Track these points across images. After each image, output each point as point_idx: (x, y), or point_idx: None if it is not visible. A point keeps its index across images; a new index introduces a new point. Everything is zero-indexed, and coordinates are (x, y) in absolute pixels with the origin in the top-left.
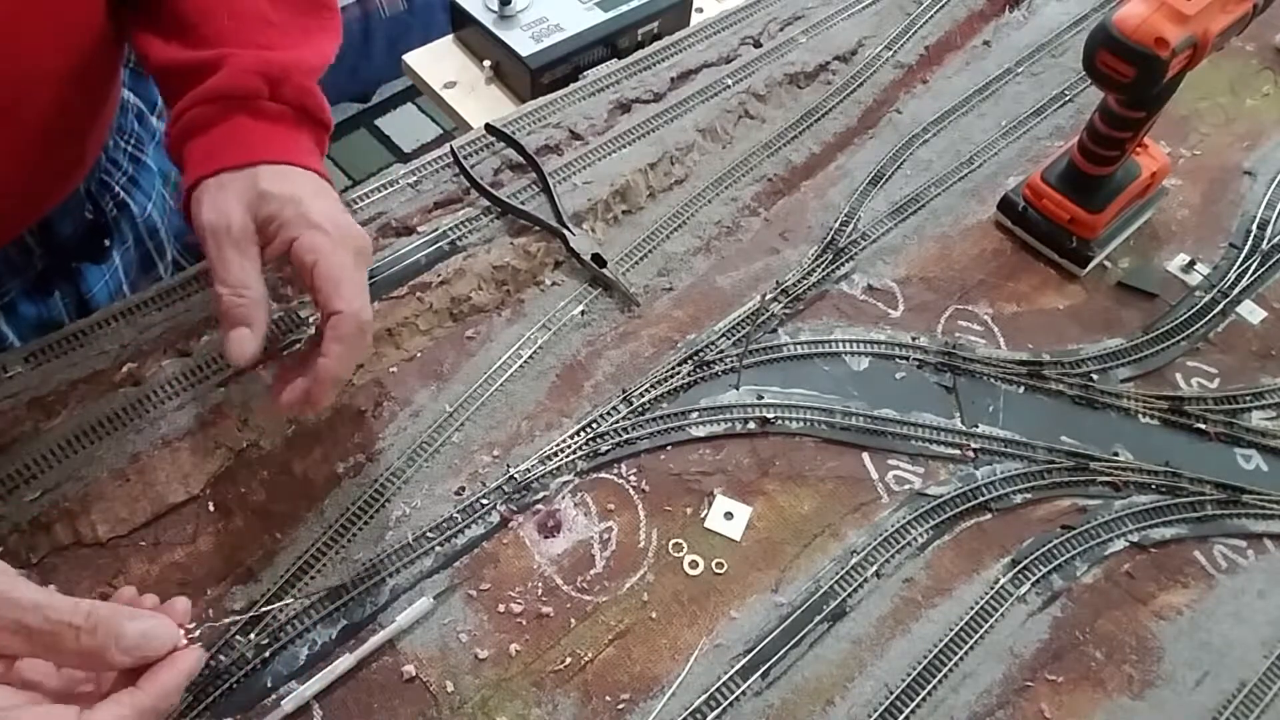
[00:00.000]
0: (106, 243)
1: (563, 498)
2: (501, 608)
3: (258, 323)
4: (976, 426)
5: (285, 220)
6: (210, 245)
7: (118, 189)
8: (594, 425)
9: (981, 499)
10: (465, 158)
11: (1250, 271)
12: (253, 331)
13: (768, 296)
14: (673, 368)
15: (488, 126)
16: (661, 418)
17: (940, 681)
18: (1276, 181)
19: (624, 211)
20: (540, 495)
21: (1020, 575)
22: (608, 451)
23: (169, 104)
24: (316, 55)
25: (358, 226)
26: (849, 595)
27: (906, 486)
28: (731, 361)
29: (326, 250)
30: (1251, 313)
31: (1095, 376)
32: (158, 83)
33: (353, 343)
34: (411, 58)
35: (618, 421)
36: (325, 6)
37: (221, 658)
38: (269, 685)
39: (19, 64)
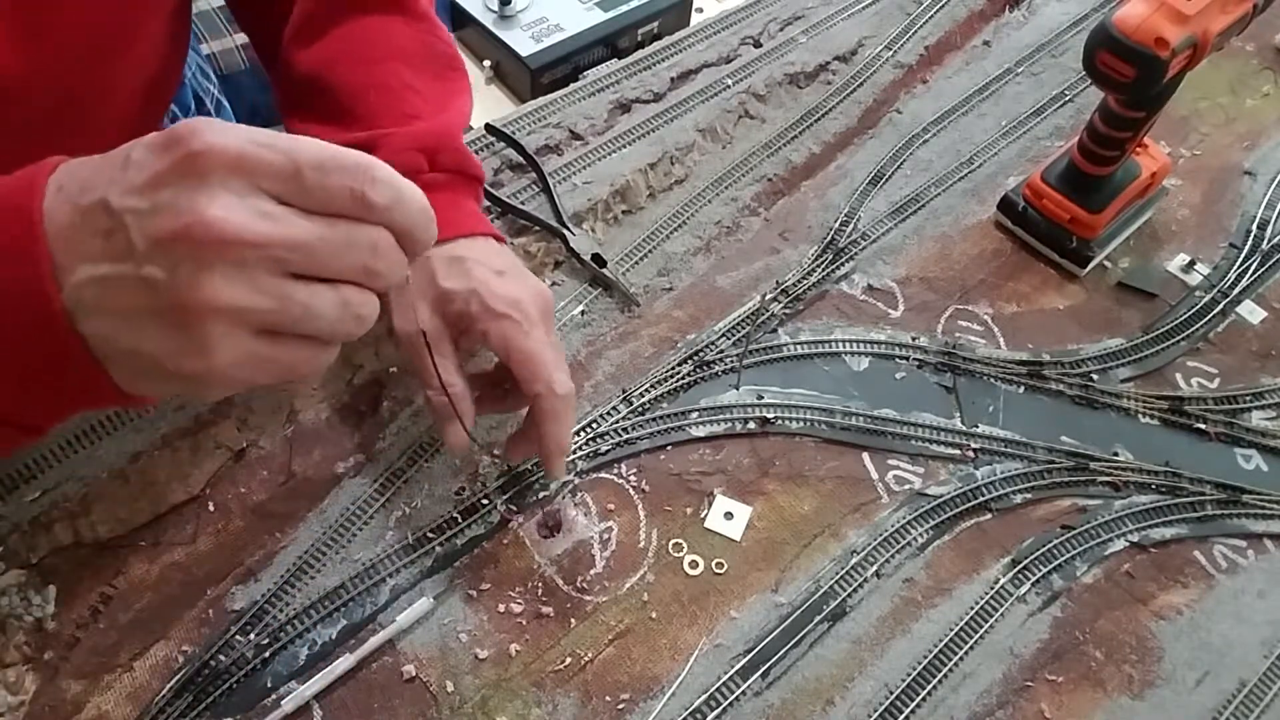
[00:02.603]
0: None
1: (563, 498)
2: (501, 608)
3: (466, 414)
4: (976, 426)
5: (472, 315)
6: (409, 351)
7: None
8: (594, 425)
9: (981, 499)
10: None
11: (1250, 271)
12: (464, 423)
13: (768, 296)
14: (673, 368)
15: (488, 126)
16: (661, 418)
17: (940, 681)
18: (1276, 181)
19: (624, 211)
20: (540, 495)
21: (1020, 575)
22: (608, 451)
23: None
24: (460, 117)
25: (538, 285)
26: (849, 595)
27: (906, 486)
28: (731, 361)
29: (515, 338)
30: (1251, 313)
31: (1095, 376)
32: None
33: (560, 416)
34: None
35: (618, 421)
36: (455, 68)
37: (221, 658)
38: (269, 685)
39: (98, 82)
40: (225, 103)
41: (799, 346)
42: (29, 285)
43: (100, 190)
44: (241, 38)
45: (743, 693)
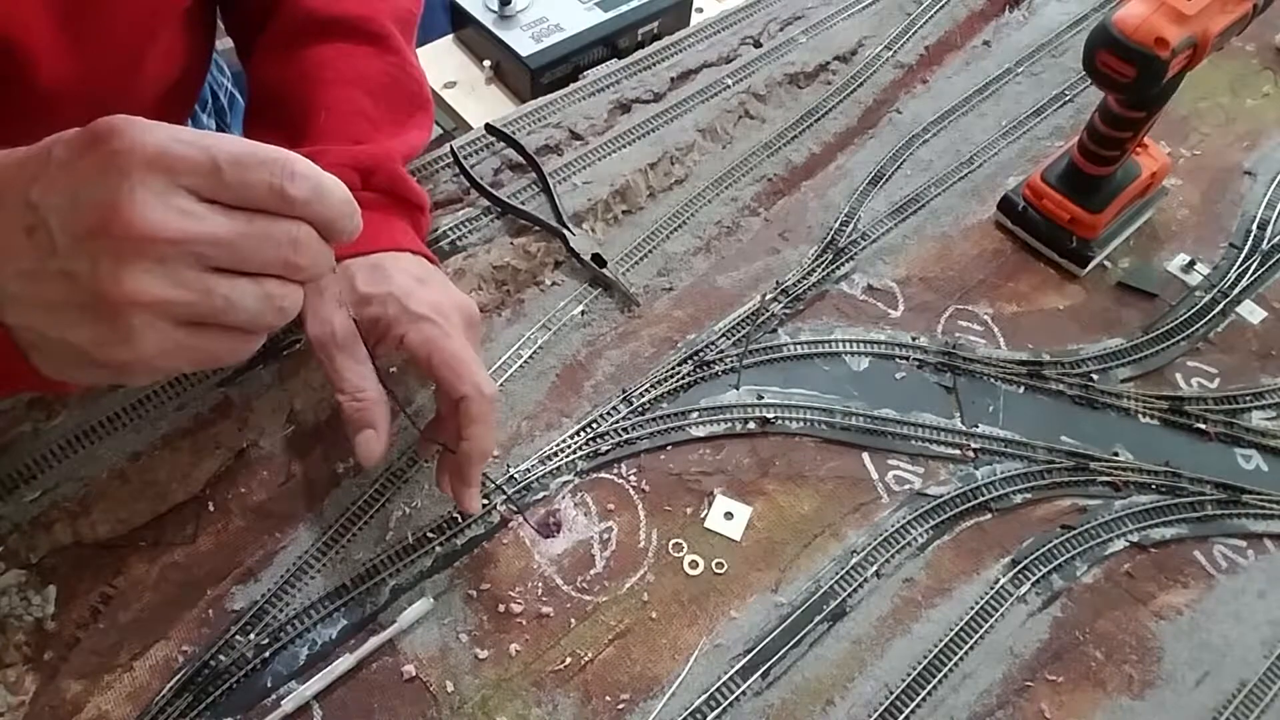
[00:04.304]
0: None
1: (563, 498)
2: (501, 608)
3: (381, 422)
4: (976, 426)
5: (389, 319)
6: (320, 355)
7: None
8: (594, 425)
9: (981, 499)
10: (465, 158)
11: (1250, 271)
12: (377, 432)
13: (768, 296)
14: (673, 368)
15: (488, 126)
16: (661, 418)
17: (940, 681)
18: (1276, 181)
19: (624, 211)
20: (540, 495)
21: (1020, 575)
22: (608, 451)
23: None
24: (407, 147)
25: (461, 297)
26: (849, 595)
27: (906, 486)
28: (731, 361)
29: (437, 339)
30: (1251, 313)
31: (1095, 376)
32: None
33: (486, 419)
34: None
35: (618, 421)
36: (421, 108)
37: (221, 658)
38: (269, 685)
39: (126, 84)
40: (238, 96)
41: (799, 346)
42: None
43: (22, 187)
44: None
45: (743, 693)
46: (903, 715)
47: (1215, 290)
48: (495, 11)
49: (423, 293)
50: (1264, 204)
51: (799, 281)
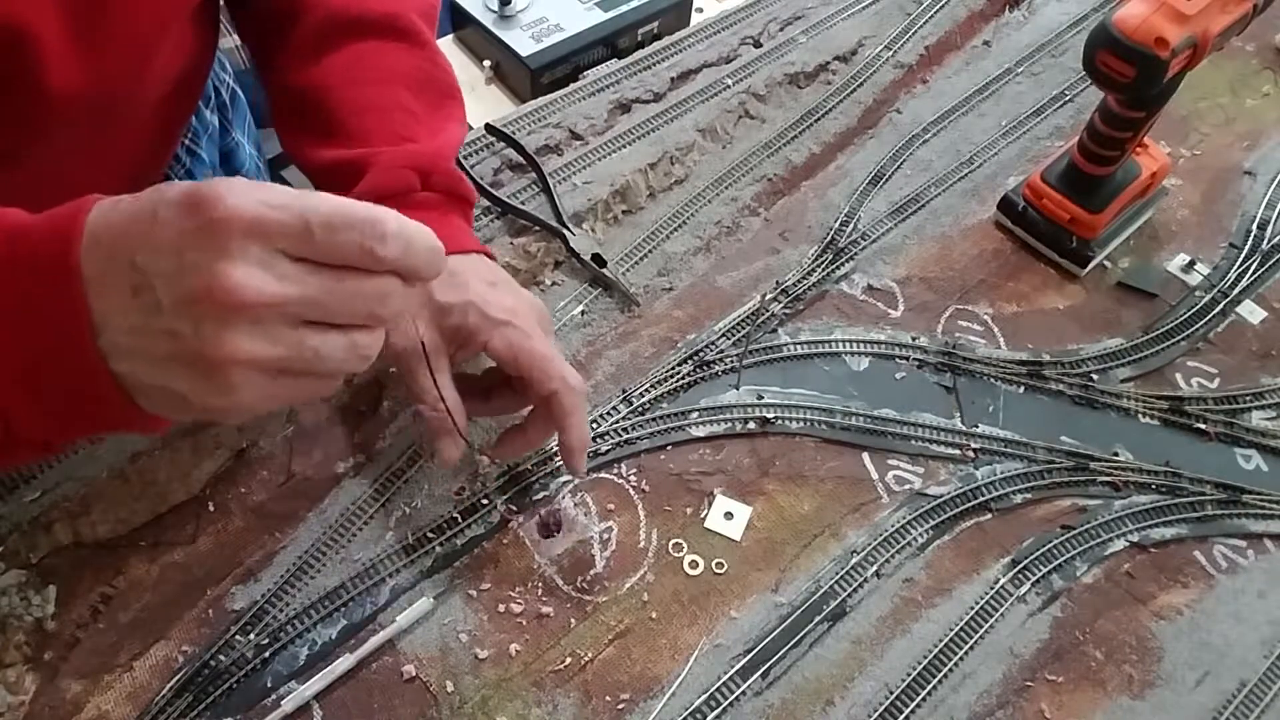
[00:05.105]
0: None
1: (563, 498)
2: (501, 608)
3: (463, 427)
4: (976, 426)
5: (470, 327)
6: (402, 366)
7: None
8: (594, 425)
9: (981, 499)
10: (465, 158)
11: (1250, 271)
12: (455, 438)
13: (768, 296)
14: (673, 368)
15: (488, 126)
16: (661, 418)
17: (940, 681)
18: (1276, 181)
19: (624, 211)
20: (540, 495)
21: (1020, 575)
22: (608, 451)
23: None
24: (454, 141)
25: (530, 297)
26: (849, 595)
27: (906, 486)
28: (731, 361)
29: (520, 342)
30: (1251, 313)
31: (1095, 376)
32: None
33: (578, 409)
34: None
35: (618, 421)
36: (452, 97)
37: (221, 658)
38: (269, 685)
39: (134, 85)
40: (240, 93)
41: (799, 346)
42: (68, 333)
43: (130, 247)
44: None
45: (743, 693)
46: (903, 715)
47: (1215, 290)
48: (495, 11)
49: (498, 297)
50: (1264, 204)
51: (799, 281)
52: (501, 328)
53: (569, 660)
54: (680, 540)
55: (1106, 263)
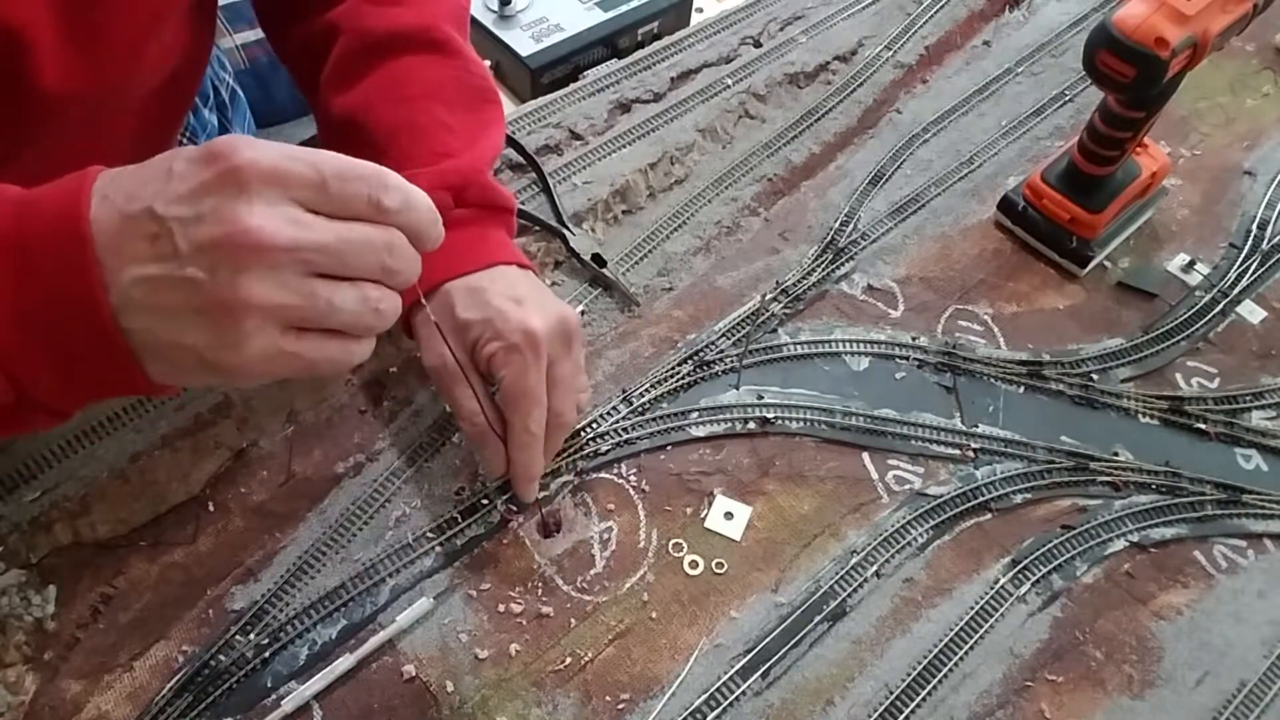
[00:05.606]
0: None
1: (563, 498)
2: (501, 608)
3: (498, 439)
4: (976, 426)
5: (484, 340)
6: (437, 383)
7: None
8: (594, 425)
9: (981, 499)
10: None
11: (1250, 271)
12: (497, 448)
13: (768, 296)
14: (673, 368)
15: None
16: (661, 418)
17: (940, 681)
18: (1276, 181)
19: (624, 211)
20: (540, 495)
21: (1020, 575)
22: (608, 451)
23: None
24: (491, 149)
25: (559, 310)
26: (849, 595)
27: (906, 486)
28: (731, 361)
29: (516, 370)
30: (1251, 313)
31: (1095, 376)
32: None
33: (527, 450)
34: None
35: (618, 421)
36: (490, 100)
37: (221, 658)
38: (269, 685)
39: (126, 83)
40: (240, 92)
41: (799, 346)
42: (80, 290)
43: (146, 199)
44: (241, 37)
45: (743, 693)
46: (903, 715)
47: (1215, 290)
48: (495, 11)
49: (518, 315)
50: (1264, 204)
51: (799, 281)
52: (509, 352)
53: (569, 660)
54: (680, 540)
55: (1106, 263)
